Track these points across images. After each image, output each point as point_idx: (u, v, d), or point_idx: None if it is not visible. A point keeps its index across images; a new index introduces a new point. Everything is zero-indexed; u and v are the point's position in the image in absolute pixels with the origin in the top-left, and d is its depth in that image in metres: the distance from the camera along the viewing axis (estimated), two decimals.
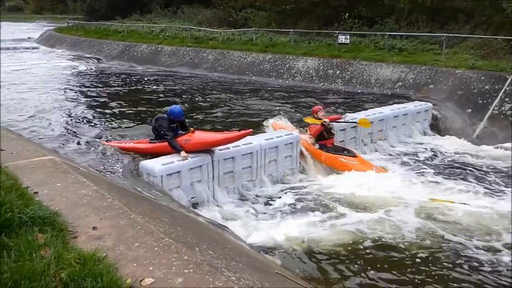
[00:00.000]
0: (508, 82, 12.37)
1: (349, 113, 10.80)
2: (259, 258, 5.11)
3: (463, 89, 13.17)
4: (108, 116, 11.80)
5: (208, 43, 23.08)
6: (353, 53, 17.43)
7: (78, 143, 8.71)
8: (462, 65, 14.19)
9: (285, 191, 8.18)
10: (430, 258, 5.94)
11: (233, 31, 24.08)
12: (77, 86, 17.06)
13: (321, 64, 17.42)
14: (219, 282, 2.76)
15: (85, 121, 11.08)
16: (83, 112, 12.24)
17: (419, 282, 5.44)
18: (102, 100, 14.18)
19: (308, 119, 9.32)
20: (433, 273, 5.61)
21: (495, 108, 12.04)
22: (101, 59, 25.37)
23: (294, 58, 18.41)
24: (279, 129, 9.49)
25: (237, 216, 7.12)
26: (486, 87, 12.73)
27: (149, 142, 7.86)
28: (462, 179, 8.85)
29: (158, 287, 2.66)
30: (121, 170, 7.03)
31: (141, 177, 6.99)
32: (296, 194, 8.03)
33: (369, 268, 5.70)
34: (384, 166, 9.36)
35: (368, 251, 6.13)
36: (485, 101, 12.40)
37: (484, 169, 9.46)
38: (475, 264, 5.84)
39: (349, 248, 6.19)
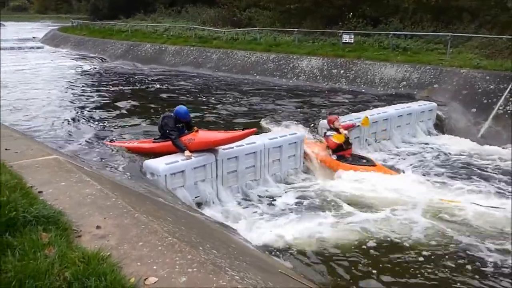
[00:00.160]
0: None
1: (354, 112, 10.79)
2: (263, 257, 5.10)
3: (467, 89, 13.12)
4: (112, 115, 11.81)
5: (212, 43, 23.11)
6: (357, 53, 17.41)
7: (82, 143, 8.72)
8: (467, 65, 14.15)
9: (289, 191, 8.16)
10: (439, 260, 5.87)
11: (237, 30, 24.10)
12: (81, 86, 17.10)
13: (325, 64, 17.39)
14: (222, 281, 2.76)
15: (89, 121, 11.11)
16: (87, 111, 12.27)
17: (428, 283, 5.38)
18: (106, 99, 14.22)
19: (336, 138, 8.85)
20: (442, 275, 5.54)
21: (500, 108, 11.98)
22: (105, 59, 25.43)
23: (298, 58, 18.39)
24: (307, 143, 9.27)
25: (240, 215, 7.11)
26: (491, 86, 12.68)
27: (153, 142, 7.87)
28: (470, 179, 8.79)
29: (162, 286, 2.66)
30: (125, 169, 7.03)
31: (145, 176, 6.99)
32: (300, 194, 8.02)
33: (375, 268, 5.66)
34: (398, 169, 9.26)
35: (374, 251, 6.09)
36: (489, 100, 12.35)
37: (491, 169, 9.41)
38: (487, 265, 5.75)
39: (355, 247, 6.16)
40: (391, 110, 11.20)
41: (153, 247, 3.14)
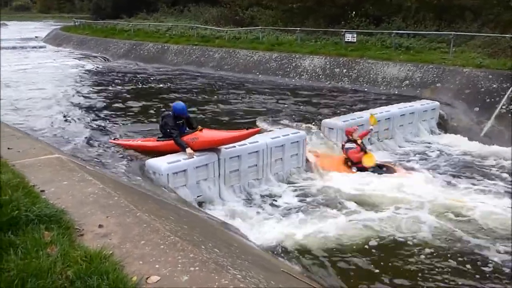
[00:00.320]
0: None
1: (357, 111, 10.77)
2: (265, 256, 5.09)
3: (470, 88, 13.07)
4: (115, 114, 11.81)
5: (214, 42, 23.09)
6: (360, 52, 17.35)
7: (85, 142, 8.72)
8: (470, 64, 14.09)
9: (291, 190, 8.15)
10: (447, 260, 5.85)
11: (239, 29, 24.07)
12: (84, 85, 17.10)
13: (327, 63, 17.35)
14: (224, 280, 2.75)
15: (92, 120, 11.10)
16: (90, 110, 12.28)
17: (435, 283, 5.35)
18: (109, 98, 14.22)
19: (367, 161, 8.75)
20: (450, 276, 5.51)
21: (503, 107, 11.94)
22: (107, 58, 25.44)
23: (301, 57, 18.36)
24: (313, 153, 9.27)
25: (243, 214, 7.10)
26: (494, 85, 12.63)
27: (157, 140, 7.88)
28: (475, 178, 8.76)
29: (164, 285, 2.66)
30: (127, 168, 7.04)
31: (147, 175, 7.00)
32: (302, 193, 8.02)
33: (378, 268, 5.65)
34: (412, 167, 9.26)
35: (378, 250, 6.08)
36: (492, 99, 12.30)
37: (496, 168, 9.39)
38: (496, 266, 5.72)
39: (359, 247, 6.15)
40: (393, 109, 11.18)
41: (155, 245, 3.14)
